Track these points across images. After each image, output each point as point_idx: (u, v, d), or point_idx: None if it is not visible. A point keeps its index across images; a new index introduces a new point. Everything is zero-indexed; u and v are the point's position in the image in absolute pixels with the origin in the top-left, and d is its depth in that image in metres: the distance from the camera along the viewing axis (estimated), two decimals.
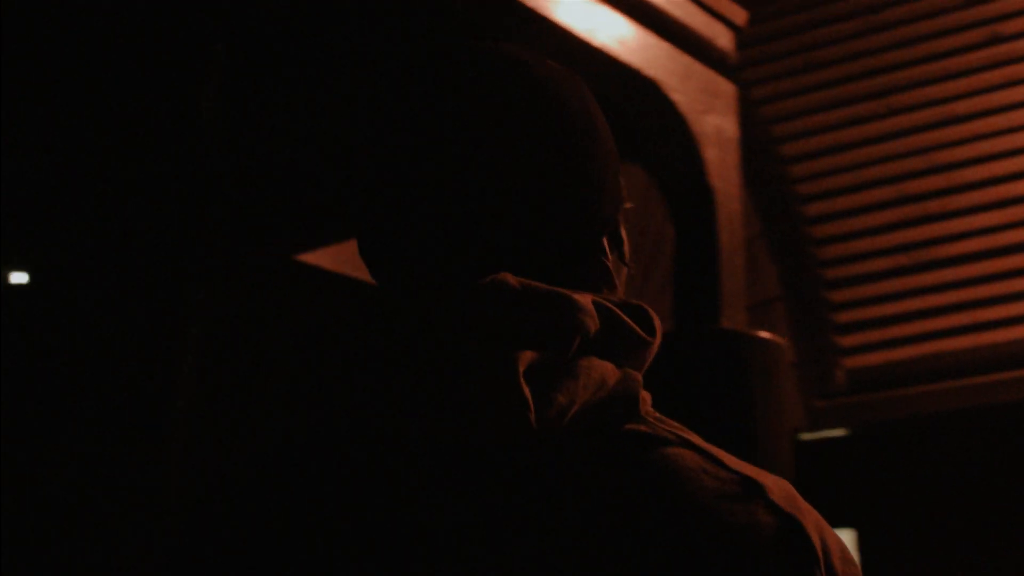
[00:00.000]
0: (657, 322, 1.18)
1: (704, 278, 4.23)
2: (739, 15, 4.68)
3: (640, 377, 1.14)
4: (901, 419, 7.19)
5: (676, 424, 1.15)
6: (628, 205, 1.30)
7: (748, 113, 7.44)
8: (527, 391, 1.05)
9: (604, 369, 1.11)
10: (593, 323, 1.11)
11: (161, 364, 3.28)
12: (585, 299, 1.11)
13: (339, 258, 5.82)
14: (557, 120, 1.18)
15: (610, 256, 1.23)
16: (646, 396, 1.15)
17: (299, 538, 1.09)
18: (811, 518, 1.09)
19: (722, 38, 4.59)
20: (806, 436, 7.45)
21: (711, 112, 4.45)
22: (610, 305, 1.14)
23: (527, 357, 1.06)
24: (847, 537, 7.36)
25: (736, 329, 4.14)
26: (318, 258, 5.81)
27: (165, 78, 3.40)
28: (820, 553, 1.07)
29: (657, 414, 1.15)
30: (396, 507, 1.08)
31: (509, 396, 1.04)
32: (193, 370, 3.27)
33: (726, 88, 4.58)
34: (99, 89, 3.41)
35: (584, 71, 4.41)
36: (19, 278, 4.16)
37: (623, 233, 1.27)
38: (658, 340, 1.18)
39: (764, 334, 4.11)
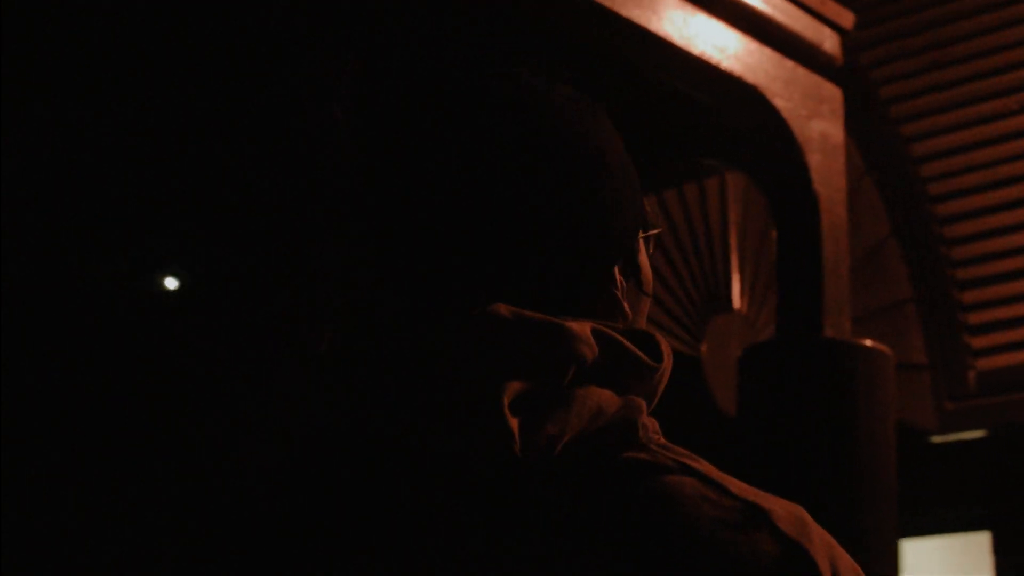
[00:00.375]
0: (665, 348, 1.16)
1: (807, 286, 4.18)
2: (846, 18, 4.62)
3: (644, 404, 1.13)
4: None
5: (683, 451, 1.13)
6: (655, 231, 1.29)
7: (877, 113, 7.34)
8: (512, 422, 1.04)
9: (602, 397, 1.09)
10: (590, 352, 1.09)
11: (298, 365, 3.37)
12: (583, 327, 1.10)
13: None
14: (558, 148, 1.17)
15: (621, 285, 1.21)
16: (649, 423, 1.13)
17: (297, 540, 1.11)
18: (821, 544, 1.06)
19: (828, 42, 4.54)
20: (937, 439, 7.33)
21: (816, 117, 4.41)
22: (613, 333, 1.12)
23: (514, 388, 1.05)
24: (982, 540, 7.23)
25: (839, 338, 4.10)
26: None
27: (302, 91, 3.50)
28: None
29: (663, 441, 1.13)
30: (392, 517, 1.09)
31: (493, 427, 1.04)
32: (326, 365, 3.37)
33: (832, 93, 4.52)
34: (243, 105, 3.52)
35: (684, 79, 4.37)
36: (171, 283, 4.34)
37: (641, 261, 1.26)
38: (667, 366, 1.16)
39: (868, 342, 4.06)
